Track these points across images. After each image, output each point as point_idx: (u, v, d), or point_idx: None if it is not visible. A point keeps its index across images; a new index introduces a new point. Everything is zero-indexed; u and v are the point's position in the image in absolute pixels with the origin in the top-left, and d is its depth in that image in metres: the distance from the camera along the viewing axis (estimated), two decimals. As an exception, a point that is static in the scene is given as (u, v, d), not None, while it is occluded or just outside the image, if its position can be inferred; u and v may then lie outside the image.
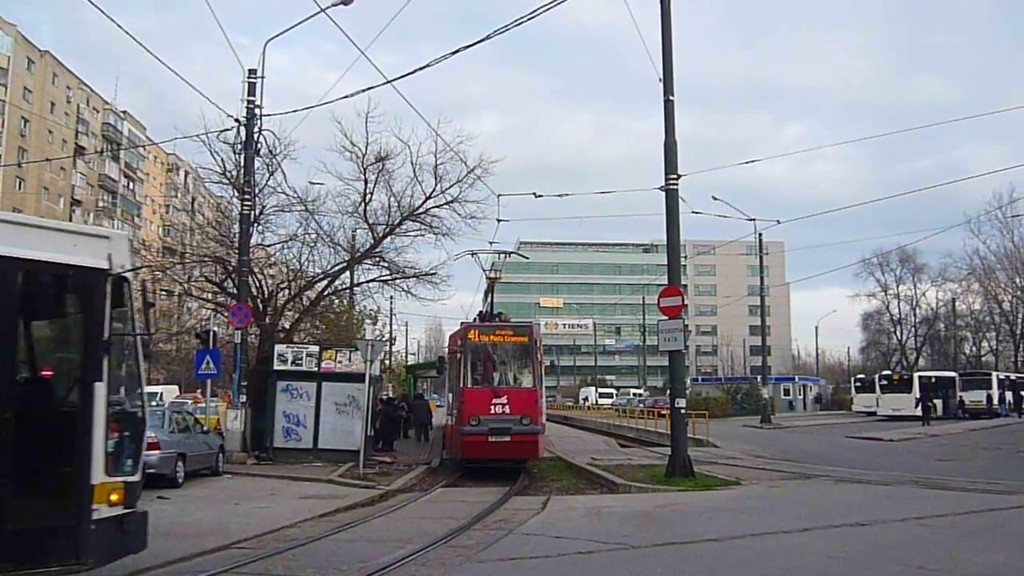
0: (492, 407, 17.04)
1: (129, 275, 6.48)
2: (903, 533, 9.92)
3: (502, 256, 22.93)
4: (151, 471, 13.84)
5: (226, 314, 22.93)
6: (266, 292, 23.48)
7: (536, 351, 18.09)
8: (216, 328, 22.28)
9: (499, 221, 21.97)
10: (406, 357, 62.33)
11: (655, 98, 16.70)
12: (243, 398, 20.68)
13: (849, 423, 41.60)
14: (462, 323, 20.08)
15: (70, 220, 69.62)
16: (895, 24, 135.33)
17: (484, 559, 8.56)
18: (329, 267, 24.24)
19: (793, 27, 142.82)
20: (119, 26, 17.18)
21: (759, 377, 51.49)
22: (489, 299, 22.29)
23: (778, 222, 29.37)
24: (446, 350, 26.09)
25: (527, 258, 21.52)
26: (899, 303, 69.58)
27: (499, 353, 18.38)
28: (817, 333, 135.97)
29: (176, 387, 49.99)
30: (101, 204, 73.81)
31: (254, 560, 8.45)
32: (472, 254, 21.64)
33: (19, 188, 63.08)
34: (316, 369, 19.70)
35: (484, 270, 22.06)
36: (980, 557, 8.35)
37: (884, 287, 68.67)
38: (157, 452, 14.23)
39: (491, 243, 22.79)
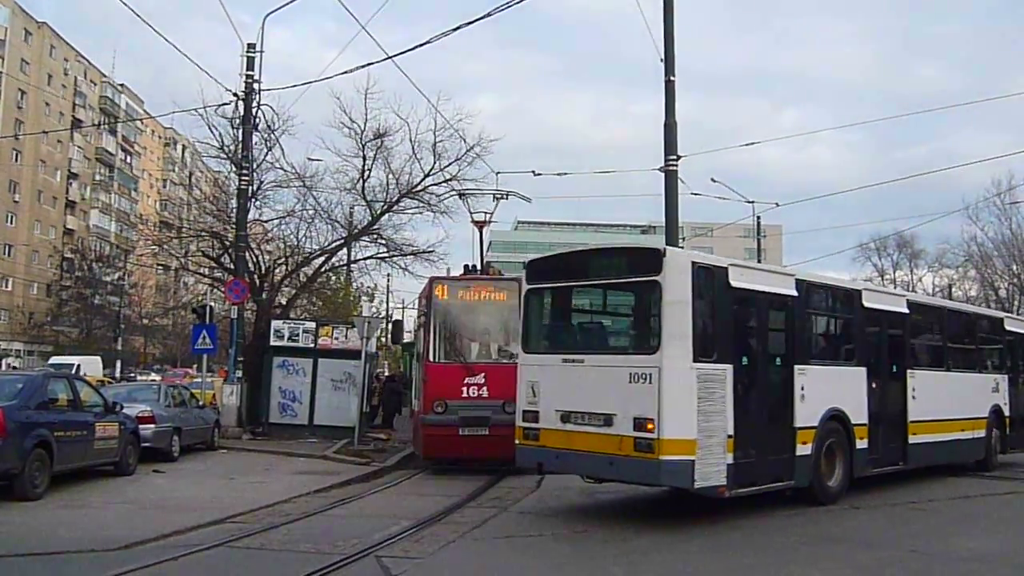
0: (464, 389, 13.29)
1: None
2: (896, 516, 9.95)
3: (496, 199, 17.29)
4: (146, 444, 13.93)
5: (223, 289, 22.88)
6: (263, 268, 23.41)
7: None
8: (213, 303, 22.20)
9: (496, 199, 21.76)
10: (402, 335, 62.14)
11: (654, 82, 16.35)
12: (239, 373, 20.76)
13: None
14: (431, 277, 15.66)
15: (67, 193, 69.43)
16: (894, 10, 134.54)
17: (478, 536, 8.58)
18: (326, 243, 24.17)
19: (792, 13, 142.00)
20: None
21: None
22: (479, 250, 16.75)
23: (777, 205, 29.62)
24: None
25: (529, 200, 18.19)
26: (896, 288, 69.62)
27: (477, 316, 14.08)
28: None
29: (98, 358, 48.19)
30: (98, 177, 73.53)
31: (248, 535, 8.44)
32: (460, 195, 18.19)
33: (16, 160, 62.76)
34: (313, 345, 19.68)
35: (470, 212, 17.14)
36: (972, 542, 8.40)
37: (881, 272, 68.62)
38: (152, 426, 14.27)
39: (498, 192, 17.48)
